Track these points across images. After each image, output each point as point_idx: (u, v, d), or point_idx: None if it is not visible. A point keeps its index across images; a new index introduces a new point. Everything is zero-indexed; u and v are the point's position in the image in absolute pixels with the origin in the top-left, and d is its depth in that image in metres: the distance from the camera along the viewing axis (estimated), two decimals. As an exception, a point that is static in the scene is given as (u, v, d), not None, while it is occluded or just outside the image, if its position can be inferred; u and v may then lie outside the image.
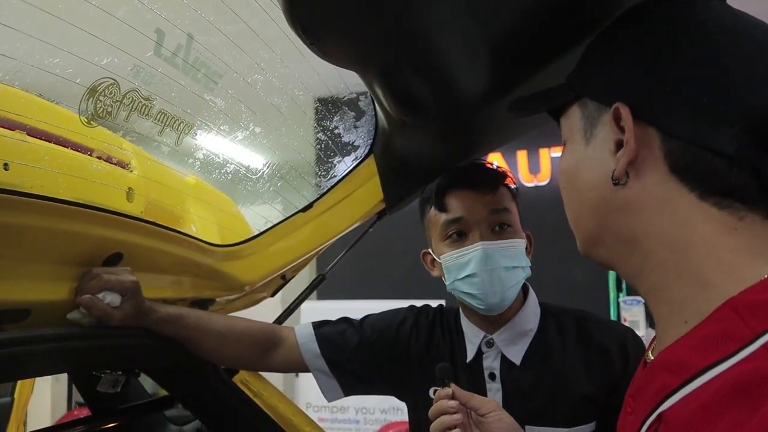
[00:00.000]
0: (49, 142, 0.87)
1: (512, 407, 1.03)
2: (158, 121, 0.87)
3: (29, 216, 0.82)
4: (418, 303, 1.28)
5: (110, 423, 1.38)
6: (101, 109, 0.77)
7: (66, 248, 0.91)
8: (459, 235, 1.07)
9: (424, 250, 1.18)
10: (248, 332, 1.17)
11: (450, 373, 0.90)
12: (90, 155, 0.90)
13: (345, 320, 1.25)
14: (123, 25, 0.70)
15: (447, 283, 1.10)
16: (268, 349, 1.19)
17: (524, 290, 1.12)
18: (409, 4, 0.74)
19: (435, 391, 0.92)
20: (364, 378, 1.20)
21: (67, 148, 0.90)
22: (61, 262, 0.91)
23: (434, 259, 1.13)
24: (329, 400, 1.24)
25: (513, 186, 1.13)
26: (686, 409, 0.45)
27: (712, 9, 0.54)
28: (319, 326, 1.22)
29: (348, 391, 1.22)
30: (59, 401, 4.46)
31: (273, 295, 1.56)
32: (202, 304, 1.33)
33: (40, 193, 0.82)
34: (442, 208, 1.08)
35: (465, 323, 1.13)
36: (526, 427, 1.02)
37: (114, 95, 0.76)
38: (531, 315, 1.09)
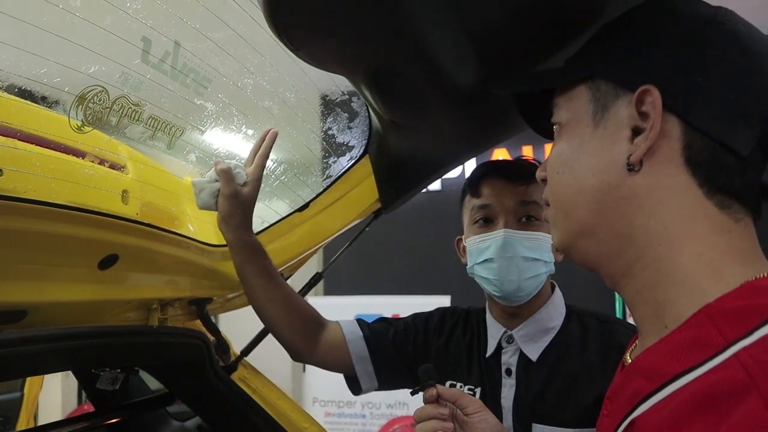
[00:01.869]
0: (43, 147, 0.89)
1: (523, 404, 1.05)
2: (149, 125, 0.88)
3: (24, 220, 0.84)
4: (423, 299, 1.30)
5: (114, 419, 1.41)
6: (91, 116, 0.79)
7: (61, 250, 0.93)
8: (486, 221, 1.09)
9: (458, 237, 1.20)
10: (305, 305, 1.20)
11: (433, 374, 0.91)
12: (84, 159, 0.92)
13: (382, 318, 1.30)
14: (109, 34, 0.71)
15: (468, 266, 1.11)
16: (315, 331, 1.21)
17: (551, 288, 1.12)
18: (393, 6, 0.74)
19: (422, 389, 0.92)
20: (397, 367, 1.22)
21: (62, 152, 0.92)
22: (56, 264, 0.93)
23: (465, 246, 1.15)
24: (363, 389, 1.25)
25: None
26: (657, 417, 0.46)
27: (736, 16, 0.54)
28: (359, 320, 1.27)
29: (382, 379, 1.23)
30: (70, 396, 4.53)
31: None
32: (200, 302, 1.35)
33: (35, 198, 0.84)
34: (474, 193, 1.11)
35: (489, 318, 1.14)
36: (533, 425, 1.02)
37: (103, 102, 0.78)
38: (555, 313, 1.09)
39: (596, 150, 0.56)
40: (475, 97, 1.02)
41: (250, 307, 1.58)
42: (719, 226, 0.51)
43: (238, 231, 1.05)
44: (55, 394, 4.43)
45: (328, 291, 4.62)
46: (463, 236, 1.17)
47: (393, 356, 1.21)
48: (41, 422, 3.08)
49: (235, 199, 1.01)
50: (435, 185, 4.61)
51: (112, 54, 0.74)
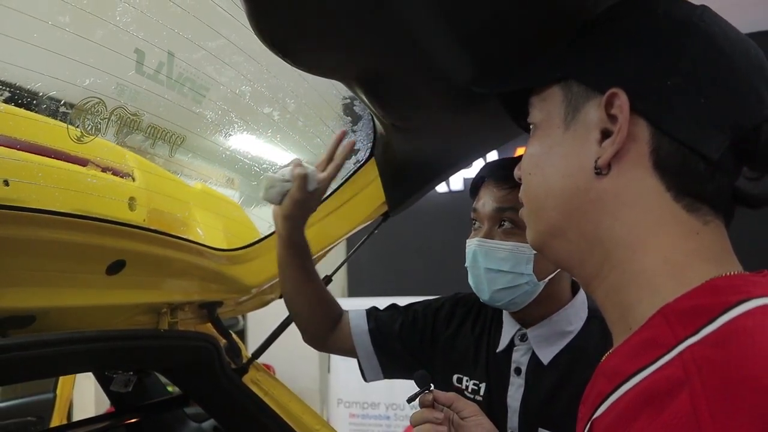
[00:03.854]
0: (50, 157, 0.92)
1: (530, 406, 1.02)
2: (149, 134, 0.91)
3: (30, 229, 0.87)
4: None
5: (130, 419, 1.45)
6: (90, 126, 0.81)
7: (68, 257, 0.96)
8: (475, 224, 1.08)
9: None
10: (330, 300, 1.24)
11: (427, 380, 0.91)
12: (87, 167, 0.95)
13: (393, 306, 1.29)
14: (101, 48, 0.73)
15: None
16: (333, 321, 1.24)
17: (574, 290, 1.09)
18: (382, 11, 0.74)
19: (417, 395, 0.92)
20: (403, 359, 1.22)
21: (68, 161, 0.95)
22: (63, 270, 0.97)
23: None
24: (368, 380, 1.26)
25: None
26: (608, 417, 0.46)
27: (713, 16, 0.53)
28: (370, 309, 1.28)
29: (387, 372, 1.25)
30: (102, 395, 4.65)
31: (281, 296, 1.60)
32: (211, 306, 1.38)
33: (40, 207, 0.87)
34: (471, 194, 1.11)
35: (505, 313, 1.12)
36: (540, 430, 1.00)
37: (101, 113, 0.80)
38: (573, 317, 1.05)
39: (566, 152, 0.55)
40: (475, 97, 1.01)
41: (276, 308, 1.61)
42: (687, 229, 0.50)
43: (292, 229, 1.09)
44: (88, 394, 4.56)
45: (351, 293, 4.64)
46: None
47: (398, 349, 1.21)
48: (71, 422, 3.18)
49: (302, 203, 1.04)
50: (458, 185, 4.58)
51: (106, 66, 0.77)
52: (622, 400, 0.44)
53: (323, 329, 1.24)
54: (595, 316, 1.07)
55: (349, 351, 1.24)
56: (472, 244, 1.04)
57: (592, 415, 0.48)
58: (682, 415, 0.38)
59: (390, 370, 1.24)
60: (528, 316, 1.05)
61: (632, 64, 0.52)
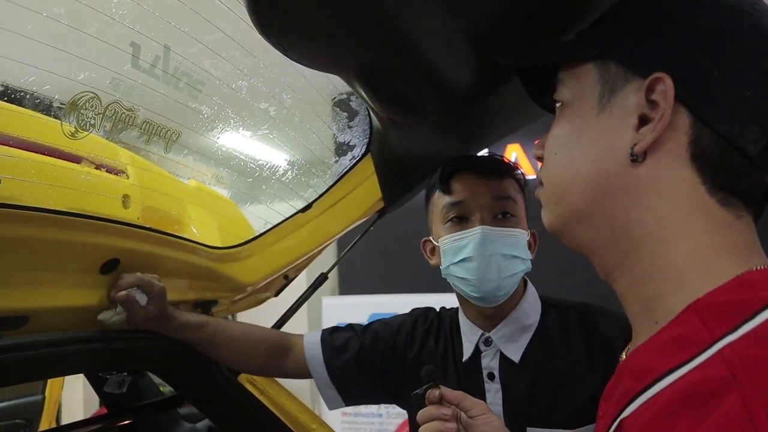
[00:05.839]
0: (43, 154, 0.90)
1: (513, 408, 1.02)
2: (144, 130, 0.89)
3: (23, 227, 0.85)
4: (439, 297, 1.28)
5: (124, 421, 1.42)
6: (84, 122, 0.79)
7: (62, 256, 0.93)
8: (459, 219, 1.04)
9: (424, 239, 1.16)
10: (262, 338, 1.22)
11: (436, 374, 0.89)
12: (81, 164, 0.93)
13: (350, 328, 1.26)
14: (96, 41, 0.72)
15: (442, 267, 1.07)
16: (279, 356, 1.23)
17: (523, 284, 1.09)
18: (379, 5, 0.73)
19: (423, 391, 0.90)
20: (363, 385, 1.20)
21: (61, 159, 0.93)
22: (57, 270, 0.94)
23: (434, 246, 1.10)
24: (330, 409, 1.26)
25: (521, 179, 1.10)
26: (642, 417, 0.44)
27: (765, 5, 0.52)
28: (326, 333, 1.24)
29: (348, 399, 1.23)
30: (91, 397, 4.60)
31: (277, 294, 1.58)
32: (205, 305, 1.36)
33: (33, 205, 0.85)
34: (446, 190, 1.06)
35: (462, 320, 1.10)
36: (528, 429, 1.00)
37: (95, 108, 0.78)
38: (530, 309, 1.06)
39: (599, 135, 0.53)
40: (473, 93, 1.00)
41: (268, 305, 1.59)
42: (719, 222, 0.49)
43: (164, 327, 1.10)
44: (77, 396, 4.51)
45: (343, 290, 4.62)
46: (431, 237, 1.12)
47: (357, 376, 1.18)
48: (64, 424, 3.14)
49: (146, 318, 1.05)
50: (449, 182, 4.57)
51: (101, 60, 0.75)
52: (658, 400, 0.43)
53: (272, 366, 1.25)
54: (549, 305, 1.08)
55: (304, 376, 1.23)
56: (475, 232, 1.00)
57: (620, 414, 0.47)
58: (734, 417, 0.36)
59: (351, 398, 1.23)
60: (496, 314, 1.04)
61: (678, 50, 0.50)
